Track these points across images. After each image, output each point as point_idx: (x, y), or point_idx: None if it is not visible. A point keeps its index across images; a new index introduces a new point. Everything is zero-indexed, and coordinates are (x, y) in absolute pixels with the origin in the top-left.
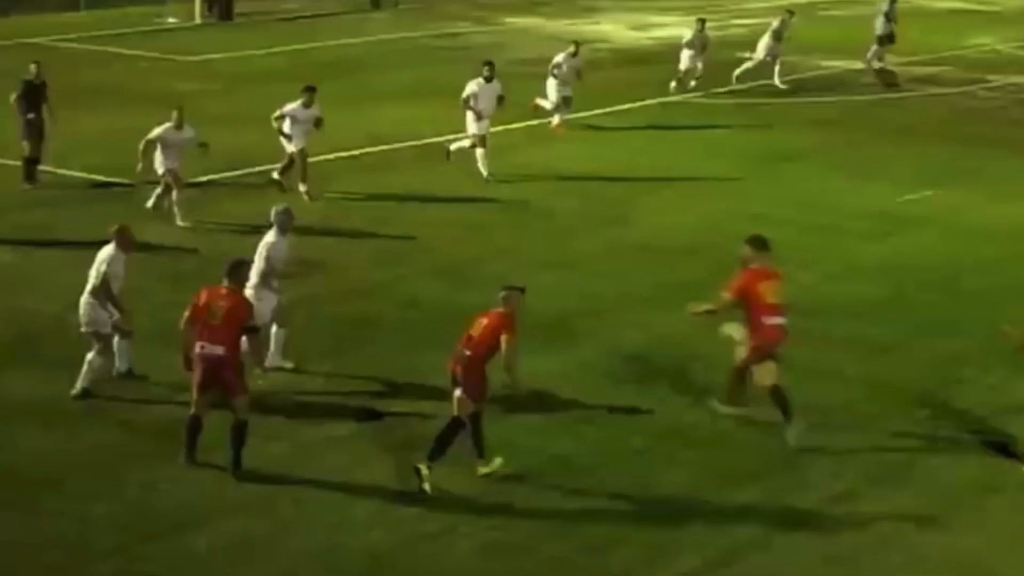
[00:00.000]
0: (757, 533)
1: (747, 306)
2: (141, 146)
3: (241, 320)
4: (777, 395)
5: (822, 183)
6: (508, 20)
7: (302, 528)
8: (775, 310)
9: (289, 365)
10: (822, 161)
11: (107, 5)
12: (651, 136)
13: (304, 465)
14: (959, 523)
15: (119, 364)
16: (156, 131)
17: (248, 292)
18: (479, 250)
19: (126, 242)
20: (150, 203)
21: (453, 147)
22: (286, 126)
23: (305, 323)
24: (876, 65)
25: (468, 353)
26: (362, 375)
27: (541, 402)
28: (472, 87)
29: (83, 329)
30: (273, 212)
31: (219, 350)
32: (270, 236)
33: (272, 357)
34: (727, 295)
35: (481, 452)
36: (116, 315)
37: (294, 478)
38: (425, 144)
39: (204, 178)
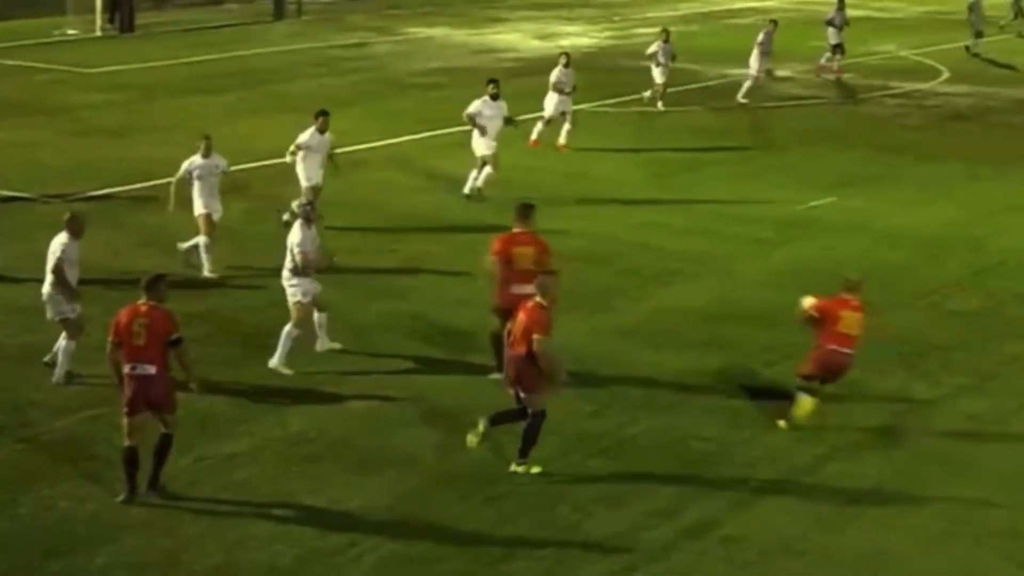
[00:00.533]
0: (659, 543)
1: (502, 268)
2: (172, 185)
3: (165, 334)
4: (494, 341)
5: (729, 191)
6: (411, 30)
7: (203, 545)
8: (524, 278)
9: (337, 346)
10: (729, 168)
11: (5, 17)
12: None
13: (207, 481)
14: (866, 524)
15: (58, 371)
16: (184, 165)
17: (285, 282)
18: (385, 260)
19: (76, 228)
20: (183, 247)
21: (479, 183)
22: (300, 158)
23: (208, 336)
24: (829, 75)
25: (513, 353)
26: (267, 388)
27: (443, 414)
28: (476, 104)
29: (50, 317)
30: (296, 205)
31: (151, 369)
32: (297, 229)
33: (320, 341)
34: (491, 257)
35: (524, 449)
36: (76, 309)
37: (197, 494)
38: (343, 153)
39: (101, 192)
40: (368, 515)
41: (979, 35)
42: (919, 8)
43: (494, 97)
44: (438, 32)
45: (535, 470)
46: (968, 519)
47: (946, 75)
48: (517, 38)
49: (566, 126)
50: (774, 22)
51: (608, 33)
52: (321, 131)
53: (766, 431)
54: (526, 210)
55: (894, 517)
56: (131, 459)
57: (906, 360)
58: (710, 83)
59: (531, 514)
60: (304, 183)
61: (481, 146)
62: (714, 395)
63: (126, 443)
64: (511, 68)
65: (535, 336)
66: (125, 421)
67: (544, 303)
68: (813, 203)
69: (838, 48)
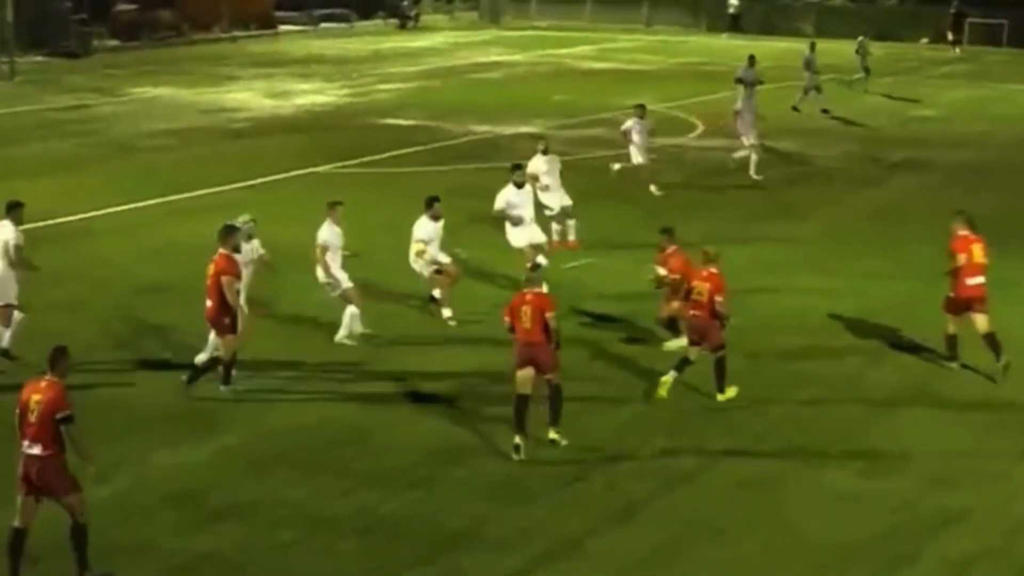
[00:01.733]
0: None
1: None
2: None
3: (53, 412)
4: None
5: (479, 254)
6: (134, 90)
7: None
8: (207, 292)
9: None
10: (480, 229)
11: None
12: (295, 208)
13: None
14: None
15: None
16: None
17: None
18: (116, 332)
19: (15, 217)
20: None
21: (541, 260)
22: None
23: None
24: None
25: (535, 340)
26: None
27: (180, 499)
28: (506, 195)
29: None
30: (241, 221)
31: (36, 449)
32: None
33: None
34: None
35: (556, 419)
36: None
37: None
38: (62, 223)
39: None
40: None
41: (817, 90)
42: (671, 60)
43: (519, 185)
44: (164, 92)
45: (565, 442)
46: None
47: (700, 129)
48: (249, 96)
49: (570, 221)
50: (740, 81)
51: (346, 90)
52: (435, 219)
53: (527, 503)
54: (223, 231)
55: None
56: (14, 543)
57: (671, 423)
58: (456, 141)
59: None
60: (427, 272)
61: (522, 238)
62: (468, 467)
63: (14, 523)
64: (242, 128)
65: (550, 315)
66: (20, 502)
67: (541, 291)
68: (572, 264)
69: None
